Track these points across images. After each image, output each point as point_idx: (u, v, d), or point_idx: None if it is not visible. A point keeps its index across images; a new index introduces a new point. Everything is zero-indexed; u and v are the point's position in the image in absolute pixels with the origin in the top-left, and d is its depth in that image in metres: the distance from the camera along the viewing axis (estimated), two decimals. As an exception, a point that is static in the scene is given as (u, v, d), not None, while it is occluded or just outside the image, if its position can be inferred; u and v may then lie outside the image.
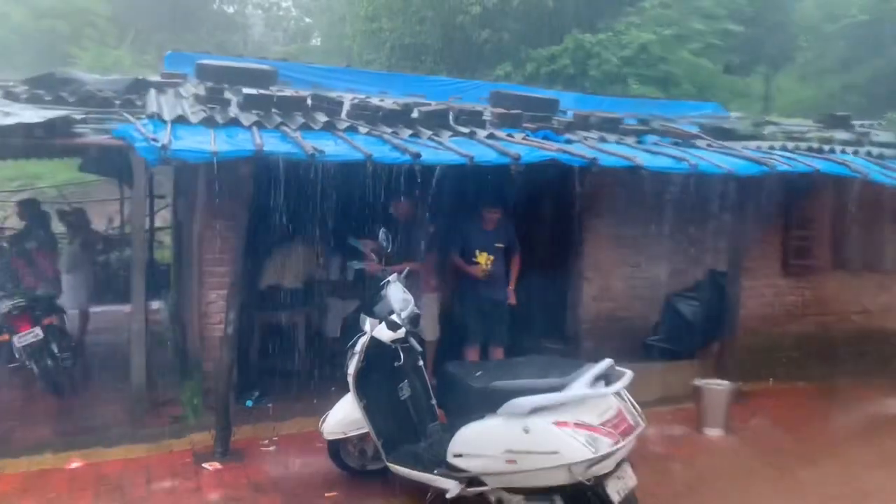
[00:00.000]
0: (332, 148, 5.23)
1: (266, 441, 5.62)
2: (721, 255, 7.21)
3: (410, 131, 6.11)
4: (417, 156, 5.19)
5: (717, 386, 6.21)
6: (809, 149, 7.29)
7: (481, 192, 6.62)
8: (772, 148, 7.16)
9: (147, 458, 5.31)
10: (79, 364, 7.42)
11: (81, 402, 6.69)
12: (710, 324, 6.96)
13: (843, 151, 7.45)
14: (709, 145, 7.06)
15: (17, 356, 6.76)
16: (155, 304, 10.78)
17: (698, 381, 6.17)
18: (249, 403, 6.25)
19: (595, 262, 7.12)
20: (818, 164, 6.61)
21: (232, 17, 29.10)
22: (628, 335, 7.09)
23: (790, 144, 7.35)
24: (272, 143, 5.08)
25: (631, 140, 6.92)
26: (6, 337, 6.77)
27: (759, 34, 15.25)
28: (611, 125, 7.43)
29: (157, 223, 12.76)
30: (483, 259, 6.52)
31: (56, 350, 6.74)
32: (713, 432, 6.10)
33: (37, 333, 6.63)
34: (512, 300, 6.67)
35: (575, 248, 7.21)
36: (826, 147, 7.47)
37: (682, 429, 6.18)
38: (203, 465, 5.14)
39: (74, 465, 5.17)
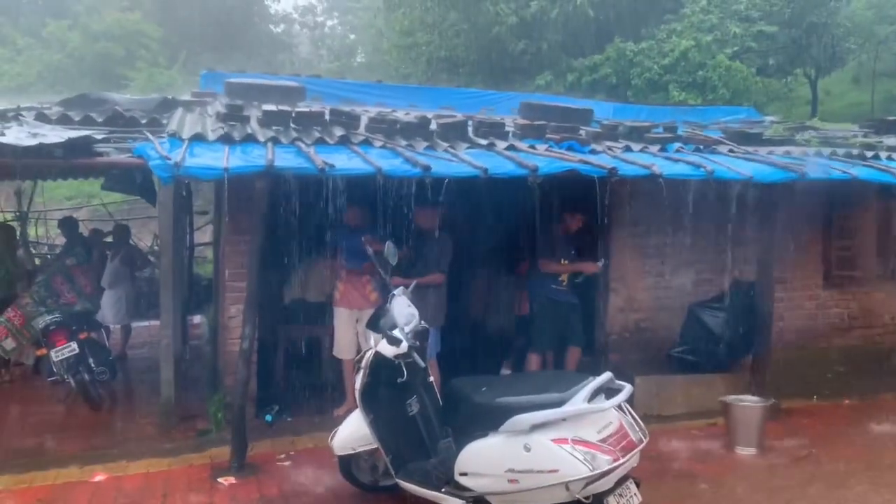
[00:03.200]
0: (345, 162, 5.24)
1: (283, 456, 5.63)
2: (754, 265, 6.97)
3: (426, 144, 6.08)
4: (428, 168, 5.15)
5: (749, 402, 5.96)
6: (848, 154, 6.98)
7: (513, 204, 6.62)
8: (805, 154, 6.89)
9: (167, 472, 5.37)
10: (116, 378, 7.60)
11: (114, 415, 6.86)
12: (738, 336, 6.70)
13: (889, 157, 7.12)
14: (731, 151, 6.85)
15: (54, 370, 6.95)
16: (197, 319, 11.03)
17: (727, 398, 5.93)
18: (269, 418, 6.28)
19: (621, 273, 6.97)
20: (856, 171, 6.32)
21: (278, 37, 29.80)
22: (653, 347, 6.91)
23: (826, 150, 7.06)
24: (284, 158, 5.12)
25: (655, 148, 6.76)
26: (44, 351, 6.97)
27: (798, 36, 14.80)
28: (637, 134, 7.28)
29: (206, 239, 13.10)
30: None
31: (92, 364, 6.90)
32: (745, 451, 5.84)
33: (73, 348, 6.81)
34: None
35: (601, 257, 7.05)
36: (869, 153, 7.14)
37: (712, 446, 5.94)
38: (218, 479, 5.16)
39: (98, 478, 5.26)
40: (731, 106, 10.83)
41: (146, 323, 9.94)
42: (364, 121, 6.50)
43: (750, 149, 7.04)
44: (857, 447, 6.03)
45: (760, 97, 13.46)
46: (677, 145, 6.94)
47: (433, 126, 6.51)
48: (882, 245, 7.76)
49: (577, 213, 6.69)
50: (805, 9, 14.82)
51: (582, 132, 7.18)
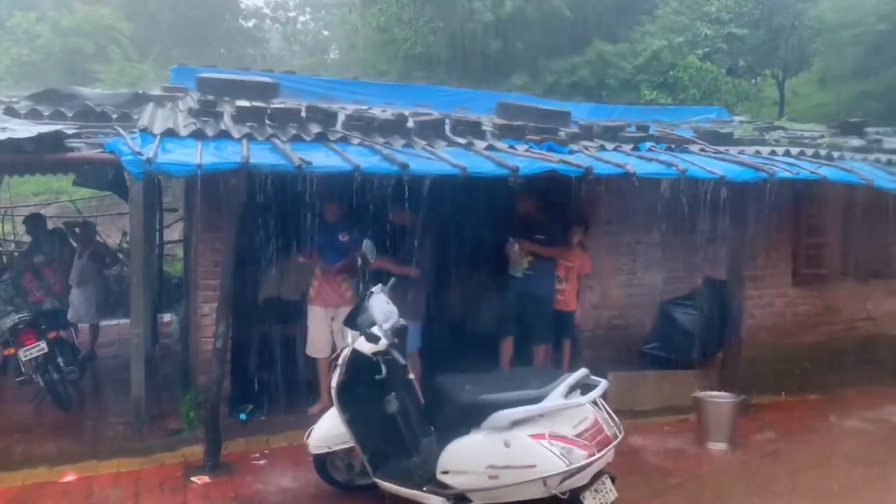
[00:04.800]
0: (322, 159, 5.23)
1: (257, 454, 5.59)
2: (725, 263, 7.08)
3: (404, 141, 6.08)
4: (406, 166, 5.16)
5: (720, 398, 6.06)
6: (816, 155, 7.13)
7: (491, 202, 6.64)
8: (773, 153, 7.02)
9: (139, 472, 5.30)
10: (86, 377, 7.48)
11: (84, 415, 6.74)
12: (709, 333, 6.80)
13: (852, 158, 7.29)
14: (702, 150, 6.96)
15: (23, 370, 6.82)
16: (167, 317, 10.90)
17: (699, 393, 6.03)
18: (243, 417, 6.23)
19: (595, 271, 7.02)
20: (824, 171, 6.46)
21: (250, 32, 29.49)
22: (627, 343, 6.99)
23: (794, 150, 7.20)
24: (260, 155, 5.08)
25: (629, 147, 6.84)
26: (12, 350, 6.83)
27: (767, 38, 15.08)
28: (611, 134, 7.36)
29: (175, 236, 12.93)
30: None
31: (62, 363, 6.79)
32: (717, 446, 5.93)
33: (42, 347, 6.68)
34: None
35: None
36: (835, 154, 7.30)
37: (684, 441, 6.04)
38: (192, 478, 5.11)
39: (68, 478, 5.18)
40: (701, 106, 10.96)
41: (115, 321, 9.79)
42: (341, 118, 6.47)
43: (721, 148, 7.16)
44: (822, 441, 6.19)
45: (730, 97, 13.68)
46: (649, 144, 7.03)
47: (410, 124, 6.51)
48: (847, 244, 7.93)
49: (530, 200, 6.61)
50: (773, 11, 15.08)
51: (561, 133, 7.23)
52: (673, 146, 7.07)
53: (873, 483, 5.33)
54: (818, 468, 5.56)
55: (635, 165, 5.89)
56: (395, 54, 17.73)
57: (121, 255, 11.52)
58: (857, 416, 6.75)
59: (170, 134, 5.42)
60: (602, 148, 6.78)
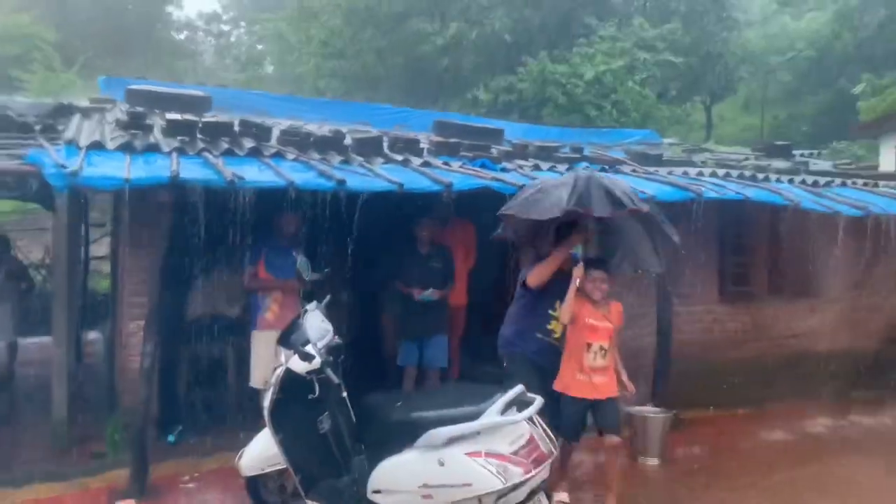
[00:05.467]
0: (256, 174, 5.15)
1: (187, 478, 5.41)
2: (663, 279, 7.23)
3: (341, 158, 6.05)
4: (342, 182, 5.13)
5: (651, 413, 6.17)
6: (741, 176, 7.40)
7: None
8: (701, 174, 7.26)
9: (60, 498, 5.07)
10: (2, 398, 7.11)
11: (1, 438, 6.39)
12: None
13: (777, 180, 7.59)
14: (633, 171, 7.14)
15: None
16: (92, 335, 10.47)
17: (630, 409, 6.13)
18: (172, 439, 6.03)
19: (532, 290, 7.07)
20: (749, 192, 6.71)
21: (181, 44, 28.88)
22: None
23: (721, 171, 7.46)
24: (191, 170, 4.97)
25: (563, 168, 6.96)
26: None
27: (696, 64, 15.71)
28: (546, 154, 7.49)
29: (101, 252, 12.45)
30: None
31: (-25, 384, 6.45)
32: (648, 461, 6.05)
33: (-47, 367, 6.33)
34: None
35: (513, 273, 7.15)
36: (760, 175, 7.59)
37: (616, 456, 6.06)
38: (117, 503, 4.91)
39: (-19, 506, 4.91)
40: (633, 129, 11.28)
41: (35, 339, 9.34)
42: (276, 133, 6.39)
43: (650, 169, 7.36)
44: (749, 454, 6.38)
45: (663, 122, 14.11)
46: (584, 165, 7.17)
47: (348, 140, 6.48)
48: (773, 263, 8.23)
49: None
50: (701, 39, 15.69)
51: (494, 151, 7.32)
52: (606, 167, 7.24)
53: (802, 494, 5.51)
54: (745, 481, 5.72)
55: (569, 184, 5.99)
56: (334, 72, 17.64)
57: (41, 272, 11.03)
58: (783, 429, 6.98)
59: (96, 147, 5.26)
60: (537, 167, 6.89)
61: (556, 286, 4.94)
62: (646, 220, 5.03)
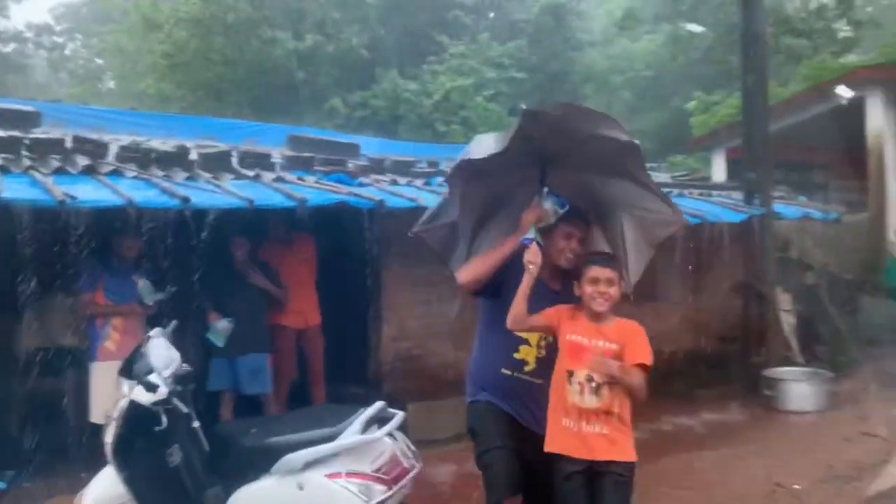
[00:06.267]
0: (91, 193, 4.82)
1: (20, 527, 4.92)
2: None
3: (186, 174, 5.78)
4: (187, 200, 4.90)
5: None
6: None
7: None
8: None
9: None
10: None
11: None
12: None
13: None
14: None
15: None
16: None
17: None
18: (3, 486, 5.46)
19: (392, 303, 7.08)
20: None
21: (9, 57, 26.66)
22: (426, 373, 7.08)
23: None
24: (16, 189, 4.59)
25: (420, 182, 7.03)
26: None
27: (543, 82, 16.49)
28: (403, 169, 7.53)
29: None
30: None
31: None
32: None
33: None
34: None
35: (372, 290, 7.12)
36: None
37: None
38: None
39: None
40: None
41: None
42: (114, 149, 6.03)
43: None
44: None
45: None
46: (440, 180, 7.26)
47: (193, 156, 6.22)
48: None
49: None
50: (548, 58, 16.45)
51: (350, 165, 7.28)
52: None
53: (659, 485, 5.79)
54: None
55: (427, 199, 6.05)
56: (180, 84, 16.91)
57: None
58: (637, 427, 7.33)
59: None
60: (394, 182, 6.91)
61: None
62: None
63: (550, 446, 3.22)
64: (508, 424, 3.45)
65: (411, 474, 3.87)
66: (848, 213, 10.04)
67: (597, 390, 3.22)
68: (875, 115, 10.19)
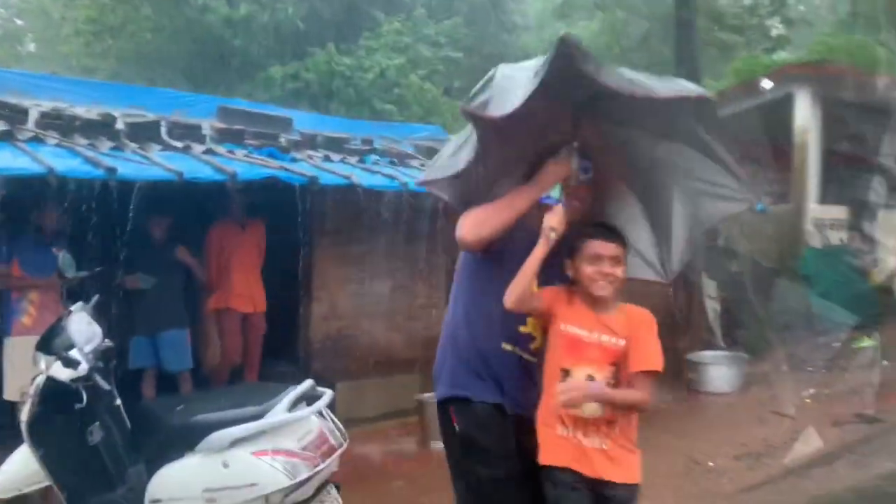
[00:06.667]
0: (8, 160, 4.61)
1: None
2: (444, 271, 7.48)
3: (112, 144, 5.58)
4: (113, 171, 4.73)
5: (441, 399, 6.37)
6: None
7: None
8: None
9: None
10: None
11: None
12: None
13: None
14: (422, 165, 7.37)
15: None
16: None
17: (422, 395, 6.30)
18: None
19: (323, 282, 7.03)
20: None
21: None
22: (356, 352, 7.08)
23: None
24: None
25: (354, 159, 6.98)
26: None
27: (479, 63, 16.53)
28: (336, 145, 7.46)
29: None
30: None
31: None
32: (438, 445, 6.18)
33: None
34: None
35: (304, 267, 7.06)
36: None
37: (408, 443, 6.29)
38: None
39: None
40: (421, 124, 11.55)
41: None
42: (34, 115, 5.77)
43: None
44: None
45: (447, 117, 14.62)
46: (374, 158, 7.23)
47: (120, 125, 6.02)
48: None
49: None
50: (483, 39, 16.45)
51: (282, 140, 7.15)
52: (395, 160, 7.35)
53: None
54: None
55: (361, 177, 6.02)
56: (106, 50, 16.21)
57: None
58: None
59: None
60: (327, 158, 6.84)
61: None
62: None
63: (546, 458, 2.66)
64: (514, 431, 2.79)
65: (338, 452, 3.88)
66: (773, 203, 10.48)
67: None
68: (802, 111, 10.59)
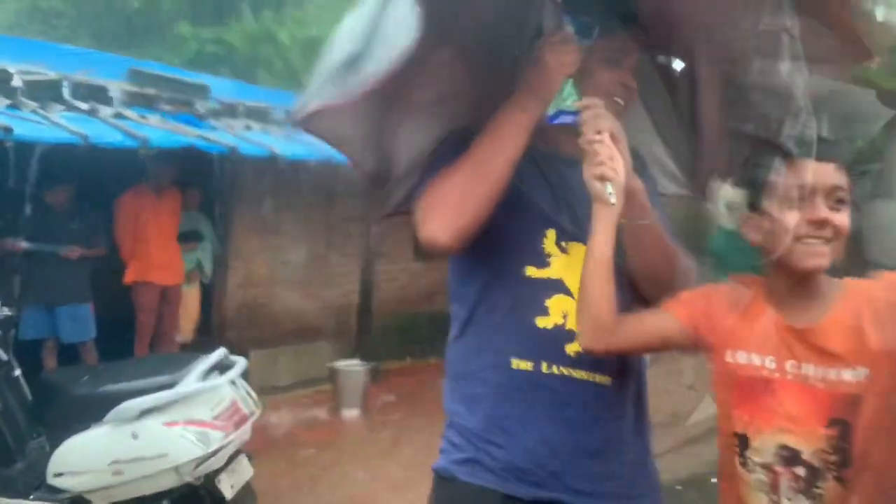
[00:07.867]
0: None
1: None
2: (364, 239, 7.52)
3: (9, 102, 5.30)
4: (9, 130, 4.50)
5: (352, 366, 6.48)
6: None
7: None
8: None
9: None
10: None
11: None
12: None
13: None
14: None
15: None
16: None
17: (334, 363, 6.38)
18: None
19: (238, 250, 6.95)
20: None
21: None
22: (271, 321, 7.06)
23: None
24: None
25: (279, 132, 6.86)
26: None
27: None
28: (260, 115, 7.31)
29: None
30: None
31: None
32: (350, 413, 6.35)
33: None
34: None
35: (218, 237, 6.96)
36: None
37: (320, 411, 6.36)
38: None
39: None
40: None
41: None
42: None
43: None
44: (437, 398, 6.99)
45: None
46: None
47: (17, 82, 5.68)
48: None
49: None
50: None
51: (199, 107, 6.94)
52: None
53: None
54: (429, 424, 6.28)
55: (282, 148, 5.95)
56: (2, 2, 15.16)
57: None
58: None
59: None
60: (248, 128, 6.71)
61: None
62: None
63: None
64: None
65: (250, 420, 3.90)
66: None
67: (813, 483, 1.33)
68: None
